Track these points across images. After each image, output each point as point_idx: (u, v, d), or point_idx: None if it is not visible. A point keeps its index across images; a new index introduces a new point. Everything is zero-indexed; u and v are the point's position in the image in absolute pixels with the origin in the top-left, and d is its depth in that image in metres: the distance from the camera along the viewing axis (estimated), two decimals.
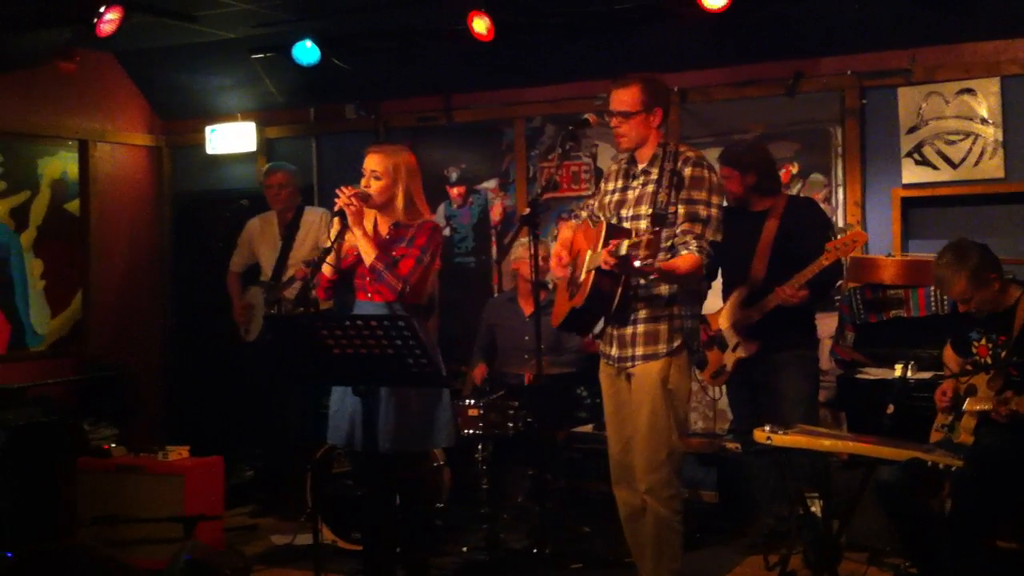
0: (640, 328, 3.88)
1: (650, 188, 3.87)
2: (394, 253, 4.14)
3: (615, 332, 3.93)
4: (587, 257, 3.87)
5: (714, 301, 4.83)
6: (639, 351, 3.88)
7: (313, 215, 6.25)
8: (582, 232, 4.04)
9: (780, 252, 4.78)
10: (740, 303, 4.85)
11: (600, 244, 3.71)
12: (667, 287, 3.85)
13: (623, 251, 3.49)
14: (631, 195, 3.93)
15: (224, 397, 6.89)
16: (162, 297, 7.49)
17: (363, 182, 4.18)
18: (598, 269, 3.69)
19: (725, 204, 4.81)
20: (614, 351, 3.96)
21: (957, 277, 4.02)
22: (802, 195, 5.56)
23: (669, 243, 3.80)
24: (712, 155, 4.71)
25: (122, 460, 5.16)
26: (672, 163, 3.83)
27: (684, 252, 3.76)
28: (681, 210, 3.80)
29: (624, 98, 3.90)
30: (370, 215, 4.23)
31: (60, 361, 6.66)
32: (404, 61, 6.40)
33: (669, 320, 3.86)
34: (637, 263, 3.45)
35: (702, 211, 3.81)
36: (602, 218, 4.01)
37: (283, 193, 6.21)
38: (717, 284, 4.87)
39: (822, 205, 5.47)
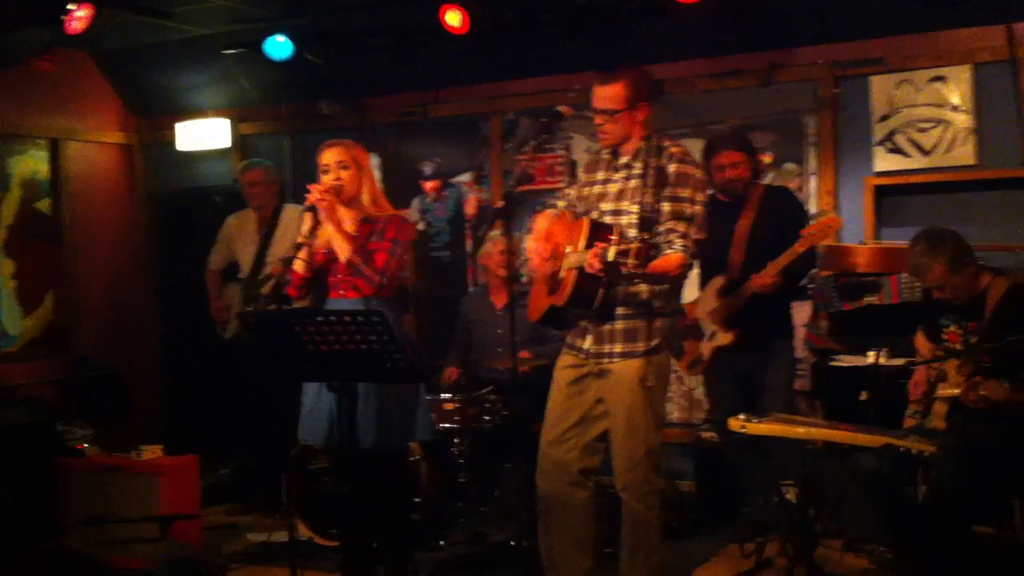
0: (619, 325, 3.81)
1: (632, 183, 3.79)
2: (367, 247, 4.13)
3: (591, 326, 3.86)
4: (567, 253, 3.81)
5: (690, 290, 4.84)
6: (617, 348, 3.81)
7: (292, 212, 6.22)
8: (560, 223, 3.96)
9: (757, 241, 4.78)
10: (717, 292, 4.86)
11: (583, 242, 3.65)
12: (647, 285, 3.77)
13: (611, 257, 3.38)
14: (612, 188, 3.86)
15: (209, 395, 6.86)
16: (142, 295, 7.45)
17: (330, 177, 4.16)
18: (581, 270, 3.62)
19: (724, 192, 4.83)
20: (588, 345, 3.88)
21: (935, 263, 4.03)
22: (777, 184, 5.57)
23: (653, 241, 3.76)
24: (693, 145, 4.71)
25: (97, 460, 5.14)
26: (656, 159, 3.76)
27: (669, 251, 3.67)
28: (666, 207, 3.72)
29: (608, 95, 3.79)
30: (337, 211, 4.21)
31: (34, 362, 6.61)
32: (379, 57, 6.38)
33: (649, 318, 3.79)
34: (625, 270, 3.36)
35: (687, 209, 3.72)
36: (580, 209, 3.95)
37: (257, 191, 6.19)
38: (693, 272, 4.88)
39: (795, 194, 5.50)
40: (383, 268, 4.08)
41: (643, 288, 3.79)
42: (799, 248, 4.58)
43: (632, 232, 3.69)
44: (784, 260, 4.61)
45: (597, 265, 3.44)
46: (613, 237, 3.47)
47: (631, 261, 3.34)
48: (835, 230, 4.64)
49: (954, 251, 4.03)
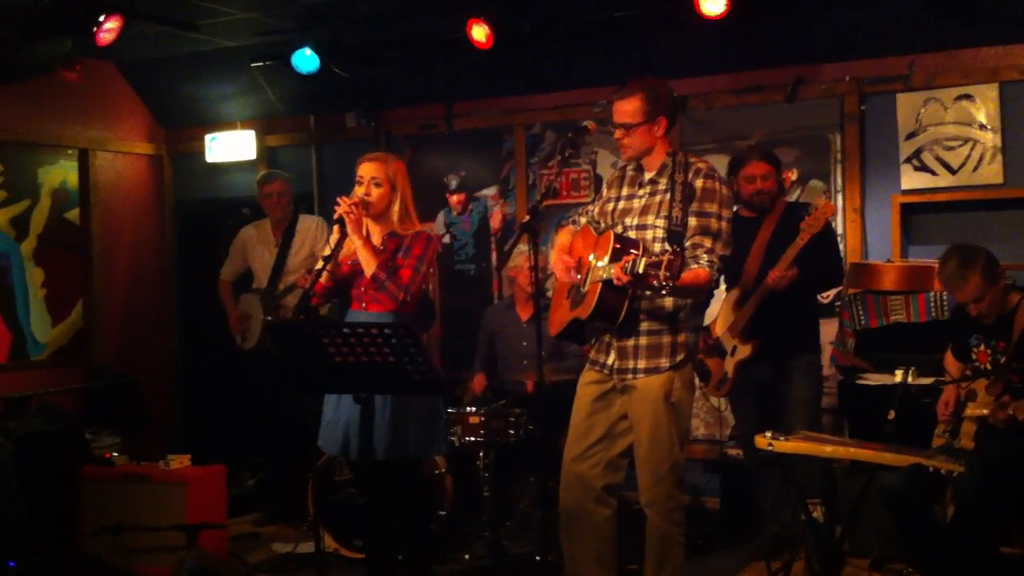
0: (643, 340, 3.79)
1: (657, 198, 3.79)
2: (393, 262, 4.16)
3: (614, 342, 3.85)
4: (591, 266, 3.81)
5: (714, 309, 4.85)
6: (641, 364, 3.79)
7: (309, 222, 6.27)
8: (581, 238, 3.97)
9: (773, 253, 4.78)
10: (733, 305, 4.86)
11: (608, 255, 3.64)
12: (671, 300, 3.77)
13: (640, 269, 3.36)
14: (637, 204, 3.86)
15: (229, 405, 6.89)
16: (165, 305, 7.50)
17: (361, 190, 4.19)
18: (607, 283, 3.61)
19: (750, 205, 4.83)
20: (611, 360, 3.86)
21: (970, 276, 4.02)
22: (801, 200, 5.57)
23: None
24: (717, 161, 4.71)
25: (125, 469, 5.17)
26: (683, 175, 3.76)
27: (694, 266, 3.66)
28: (692, 222, 3.72)
29: (626, 109, 3.81)
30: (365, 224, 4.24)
31: (62, 370, 6.66)
32: (404, 69, 6.42)
33: (673, 333, 3.78)
34: (655, 282, 3.33)
35: (713, 224, 3.72)
36: (603, 225, 3.95)
37: (283, 201, 6.23)
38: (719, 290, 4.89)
39: None
40: (407, 284, 4.11)
41: (667, 303, 3.78)
42: (800, 241, 4.59)
43: (657, 247, 3.69)
44: (791, 254, 4.62)
45: (625, 278, 3.42)
46: (636, 251, 3.47)
47: (662, 273, 3.30)
48: (828, 216, 4.67)
49: (987, 262, 4.03)
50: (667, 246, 3.59)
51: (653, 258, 3.35)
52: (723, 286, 4.90)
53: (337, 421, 4.16)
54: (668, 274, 3.31)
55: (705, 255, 3.68)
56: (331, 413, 4.20)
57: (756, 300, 4.74)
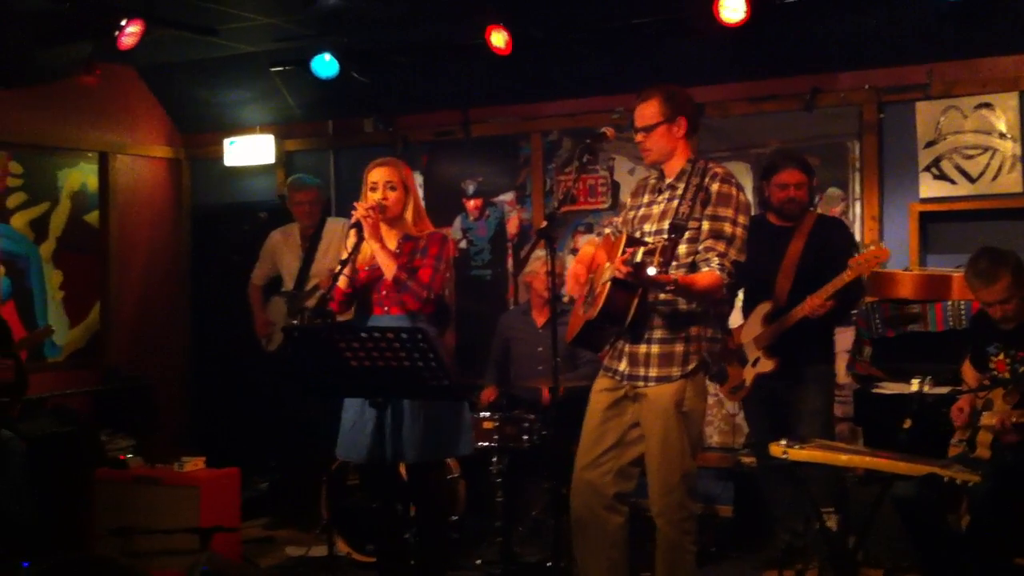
0: (655, 348, 3.77)
1: (675, 203, 3.77)
2: (411, 264, 4.17)
3: (627, 348, 3.82)
4: (604, 269, 3.81)
5: (735, 315, 4.83)
6: (653, 372, 3.76)
7: (335, 225, 6.28)
8: (604, 248, 3.95)
9: (806, 270, 4.74)
10: (763, 319, 4.84)
11: (618, 256, 3.63)
12: (686, 305, 3.74)
13: (637, 258, 3.37)
14: (656, 210, 3.85)
15: (243, 408, 6.91)
16: (181, 308, 7.53)
17: (377, 195, 4.21)
18: (613, 279, 3.59)
19: (780, 212, 4.80)
20: (623, 367, 3.84)
21: (1001, 275, 3.99)
22: (818, 210, 5.55)
23: (690, 259, 3.70)
24: (735, 168, 4.70)
25: (139, 471, 5.19)
26: (699, 178, 3.75)
27: (705, 269, 3.65)
28: (705, 226, 3.70)
29: (645, 112, 3.82)
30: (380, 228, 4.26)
31: (78, 372, 6.70)
32: (422, 75, 6.44)
33: (686, 341, 3.75)
34: (651, 270, 3.33)
35: (727, 229, 3.70)
36: (624, 232, 3.95)
37: (314, 210, 6.25)
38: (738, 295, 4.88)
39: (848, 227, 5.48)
40: (428, 283, 4.14)
41: (680, 309, 3.76)
42: (846, 277, 4.55)
43: None
44: (831, 288, 4.58)
45: (625, 269, 3.41)
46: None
47: (656, 259, 3.30)
48: (882, 261, 4.61)
49: (1018, 264, 4.02)
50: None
51: (649, 246, 3.37)
52: (741, 294, 4.89)
53: (361, 426, 4.14)
54: (662, 260, 3.31)
55: (717, 259, 3.66)
56: (353, 419, 4.20)
57: (788, 322, 4.71)
